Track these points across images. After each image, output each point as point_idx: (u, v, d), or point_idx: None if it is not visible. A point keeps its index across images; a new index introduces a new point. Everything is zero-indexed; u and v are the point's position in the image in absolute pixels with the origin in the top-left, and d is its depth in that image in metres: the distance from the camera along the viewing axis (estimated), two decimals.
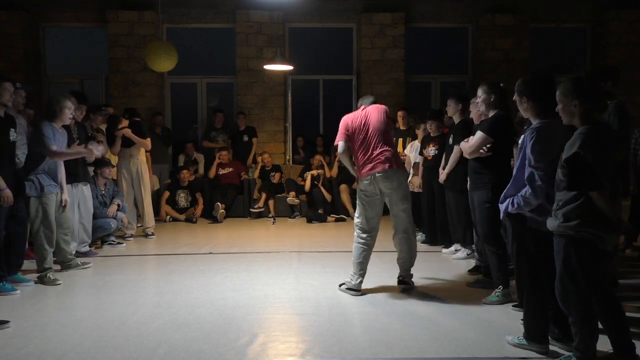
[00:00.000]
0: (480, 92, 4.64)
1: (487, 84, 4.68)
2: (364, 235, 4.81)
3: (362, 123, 4.86)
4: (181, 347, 3.57)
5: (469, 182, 4.92)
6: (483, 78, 10.14)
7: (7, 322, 3.97)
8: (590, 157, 2.87)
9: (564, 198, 3.02)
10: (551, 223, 3.11)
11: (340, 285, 4.93)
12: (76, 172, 6.05)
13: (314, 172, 9.26)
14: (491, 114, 4.62)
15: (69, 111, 5.45)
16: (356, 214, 4.93)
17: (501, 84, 4.68)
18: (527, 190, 3.28)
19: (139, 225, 7.76)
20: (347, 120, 4.95)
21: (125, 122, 7.41)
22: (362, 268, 4.82)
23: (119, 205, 7.10)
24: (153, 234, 7.63)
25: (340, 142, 4.92)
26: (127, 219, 7.44)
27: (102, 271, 5.77)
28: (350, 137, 4.89)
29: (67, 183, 5.74)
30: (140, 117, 8.00)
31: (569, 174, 2.96)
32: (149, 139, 7.66)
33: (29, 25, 10.35)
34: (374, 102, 5.04)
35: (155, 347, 3.56)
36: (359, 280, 4.81)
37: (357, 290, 4.78)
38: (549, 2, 10.50)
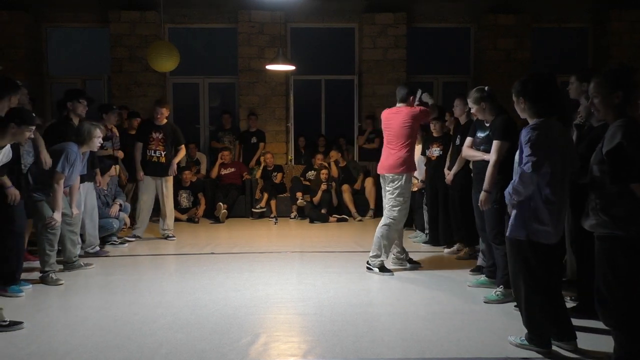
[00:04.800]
0: (470, 103, 4.87)
1: (472, 96, 4.80)
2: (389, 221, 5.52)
3: (388, 123, 5.58)
4: (183, 347, 3.58)
5: (473, 183, 4.95)
6: (485, 78, 10.16)
7: (20, 322, 3.98)
8: (632, 148, 2.78)
9: (604, 195, 2.92)
10: (590, 223, 3.02)
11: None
12: (88, 171, 6.22)
13: (324, 186, 9.24)
14: (491, 118, 4.66)
15: (97, 140, 5.61)
16: None
17: (485, 88, 4.76)
18: (516, 179, 3.30)
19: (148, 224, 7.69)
20: (383, 114, 5.71)
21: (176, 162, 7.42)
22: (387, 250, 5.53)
23: (120, 205, 7.12)
24: (174, 237, 7.49)
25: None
26: (128, 219, 7.47)
27: (105, 271, 5.77)
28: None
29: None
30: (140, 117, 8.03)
31: (611, 167, 2.85)
32: (182, 147, 7.61)
33: (31, 26, 10.36)
34: (405, 96, 5.55)
35: (158, 347, 3.57)
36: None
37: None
38: (550, 2, 10.49)
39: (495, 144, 4.46)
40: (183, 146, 7.61)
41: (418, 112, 5.50)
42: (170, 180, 7.46)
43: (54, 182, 5.15)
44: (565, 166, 3.36)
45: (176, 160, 7.43)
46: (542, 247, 3.34)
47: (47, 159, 5.09)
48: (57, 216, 5.23)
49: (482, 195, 4.51)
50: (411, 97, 5.54)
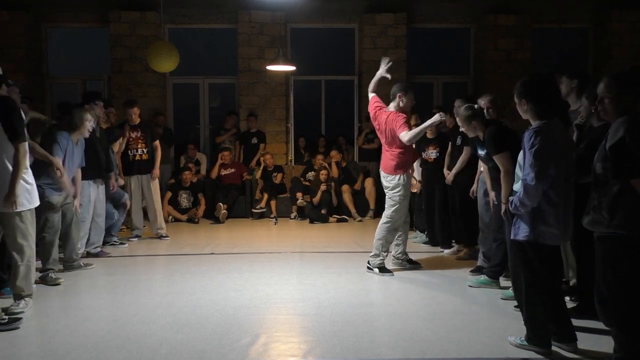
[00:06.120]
0: (460, 121, 4.90)
1: (463, 115, 4.78)
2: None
3: (380, 124, 5.60)
4: (183, 347, 3.58)
5: (487, 183, 4.93)
6: (485, 79, 10.17)
7: (20, 318, 3.97)
8: (635, 144, 2.76)
9: (606, 194, 2.89)
10: (591, 222, 3.00)
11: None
12: (100, 169, 6.30)
13: (324, 186, 9.24)
14: (482, 134, 4.65)
15: (89, 124, 5.61)
16: None
17: (475, 105, 4.78)
18: (521, 190, 3.29)
19: (143, 226, 7.72)
20: (374, 108, 5.88)
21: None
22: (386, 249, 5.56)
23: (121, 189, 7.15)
24: (167, 236, 7.51)
25: None
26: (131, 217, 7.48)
27: (104, 271, 5.78)
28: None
29: (89, 179, 6.03)
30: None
31: (613, 162, 2.83)
32: (157, 142, 7.56)
33: (31, 26, 10.35)
34: (395, 94, 5.64)
35: (158, 347, 3.57)
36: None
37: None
38: (551, 2, 10.49)
39: (496, 159, 4.38)
40: (157, 142, 7.59)
41: (383, 120, 5.55)
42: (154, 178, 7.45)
43: (55, 168, 5.16)
44: (568, 166, 3.36)
45: (158, 160, 7.40)
46: (545, 249, 3.34)
47: (57, 162, 5.11)
48: (77, 202, 5.38)
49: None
50: (389, 104, 5.62)
